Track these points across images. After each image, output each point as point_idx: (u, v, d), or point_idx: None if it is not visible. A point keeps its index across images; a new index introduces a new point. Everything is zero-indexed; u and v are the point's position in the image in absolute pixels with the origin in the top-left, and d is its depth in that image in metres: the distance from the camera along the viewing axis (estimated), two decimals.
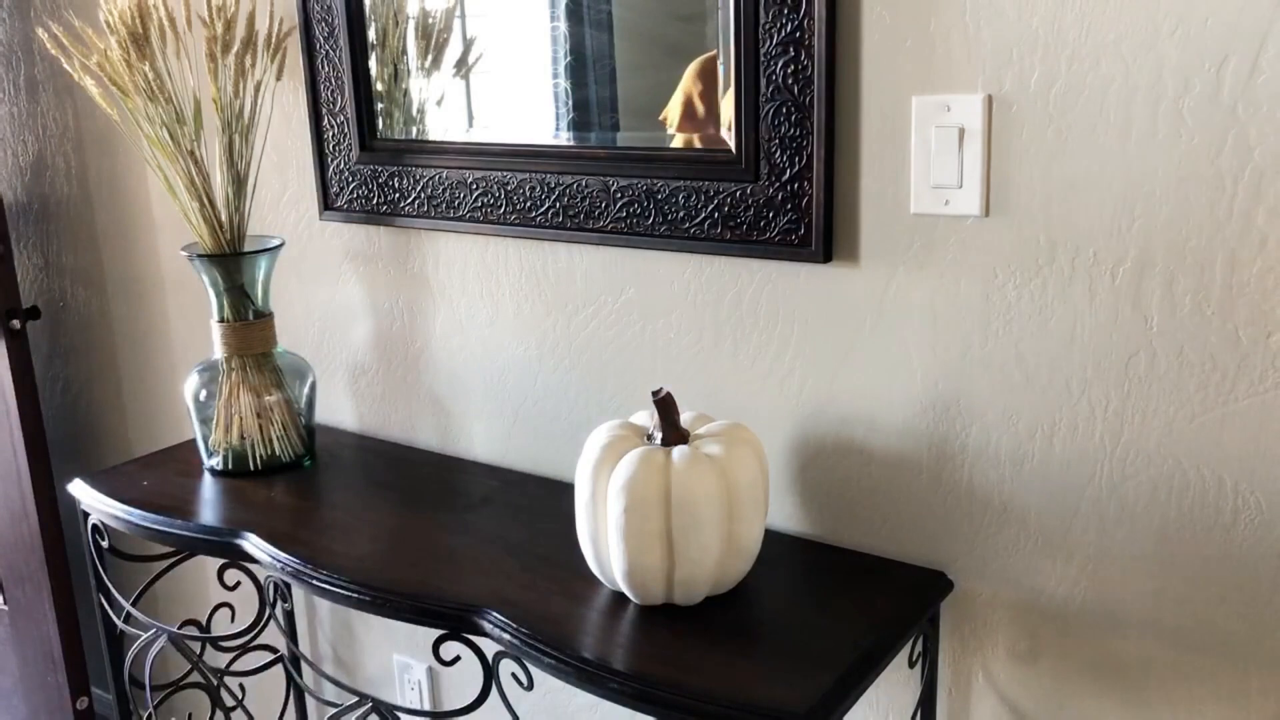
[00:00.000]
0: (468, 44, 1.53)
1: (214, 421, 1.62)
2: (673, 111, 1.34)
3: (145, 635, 1.64)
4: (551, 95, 1.47)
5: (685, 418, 1.21)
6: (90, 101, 1.98)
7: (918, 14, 1.13)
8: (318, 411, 1.78)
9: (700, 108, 1.32)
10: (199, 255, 1.59)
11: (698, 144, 1.33)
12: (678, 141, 1.35)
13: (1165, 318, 1.08)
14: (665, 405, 1.16)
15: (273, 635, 1.75)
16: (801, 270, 1.28)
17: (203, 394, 1.63)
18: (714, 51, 1.29)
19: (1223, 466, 1.09)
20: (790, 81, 1.20)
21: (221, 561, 1.79)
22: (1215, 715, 1.16)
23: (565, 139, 1.47)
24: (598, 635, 1.15)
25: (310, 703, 2.04)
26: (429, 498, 1.54)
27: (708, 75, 1.30)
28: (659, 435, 1.17)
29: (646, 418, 1.22)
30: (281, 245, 1.65)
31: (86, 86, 1.59)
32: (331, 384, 1.84)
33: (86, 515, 1.63)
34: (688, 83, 1.32)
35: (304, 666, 1.97)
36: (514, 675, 1.22)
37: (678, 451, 1.13)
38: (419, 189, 1.57)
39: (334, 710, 1.41)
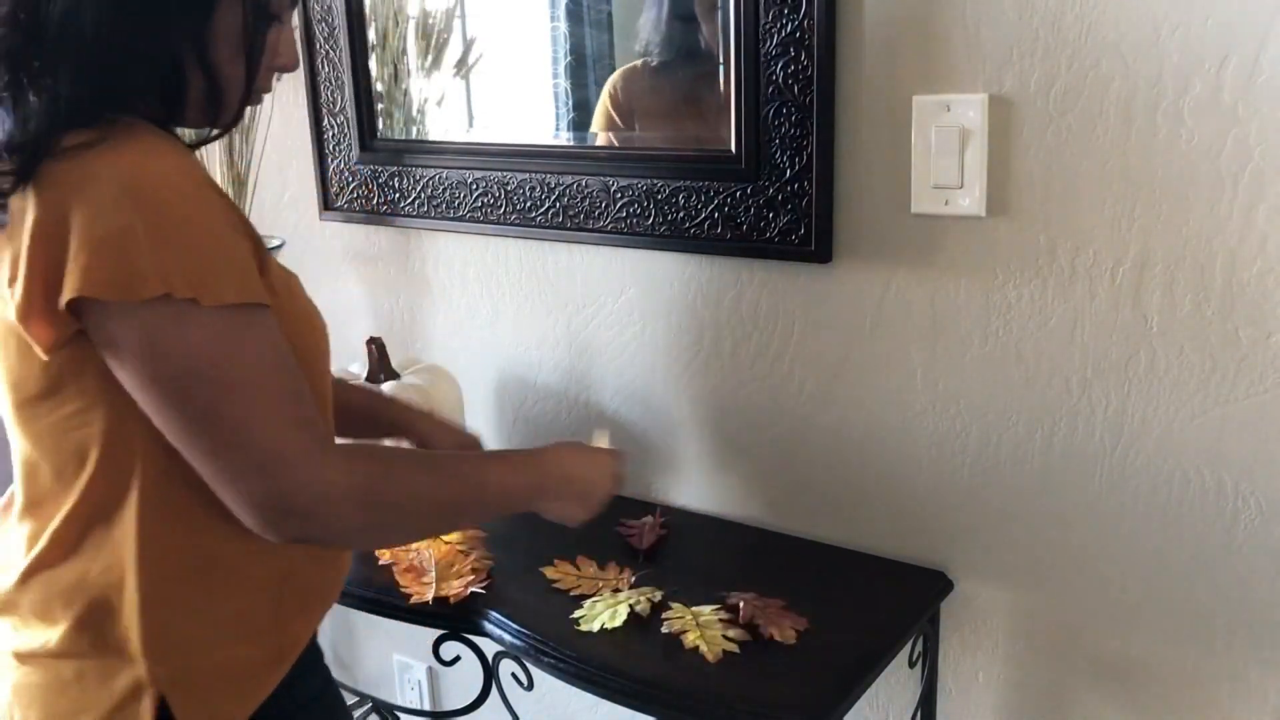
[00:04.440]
0: (468, 44, 1.53)
1: None
2: (596, 122, 1.41)
3: None
4: (551, 95, 1.47)
5: (395, 361, 1.53)
6: None
7: (918, 14, 1.13)
8: None
9: (616, 117, 1.38)
10: None
11: (609, 143, 1.40)
12: (600, 140, 1.42)
13: (1165, 318, 1.08)
14: (379, 348, 1.49)
15: None
16: (802, 270, 1.28)
17: None
18: (636, 63, 1.37)
19: (1223, 466, 1.09)
20: (790, 81, 1.20)
21: None
22: (1214, 715, 1.16)
23: (565, 139, 1.47)
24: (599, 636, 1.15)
25: None
26: None
27: (628, 85, 1.37)
28: (365, 374, 1.49)
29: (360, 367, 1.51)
30: (282, 245, 1.65)
31: None
32: None
33: None
34: (605, 97, 1.38)
35: None
36: (514, 675, 1.22)
37: (388, 385, 1.46)
38: (419, 189, 1.57)
39: None
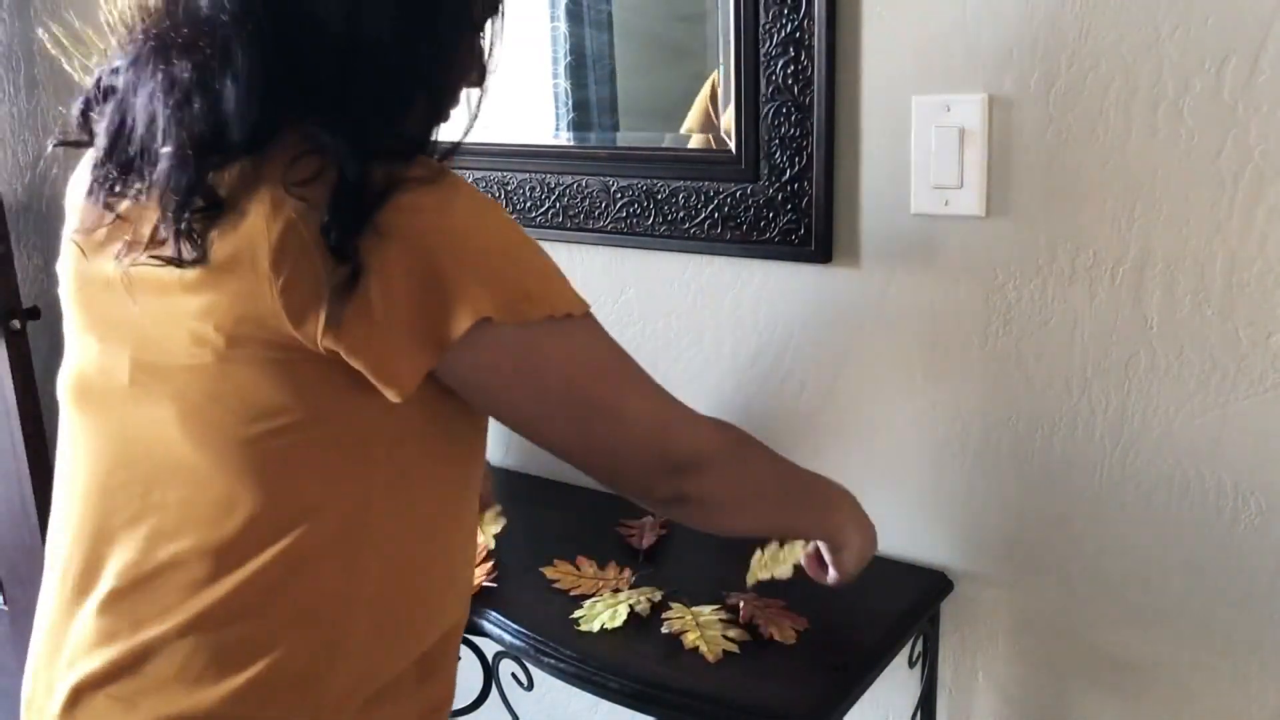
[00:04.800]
0: None
1: None
2: (693, 119, 1.35)
3: None
4: (551, 95, 1.47)
5: None
6: None
7: (918, 14, 1.13)
8: None
9: (715, 116, 1.32)
10: None
11: (696, 144, 1.34)
12: (695, 142, 1.35)
13: (1165, 318, 1.08)
14: None
15: None
16: (801, 270, 1.28)
17: None
18: None
19: (1223, 466, 1.09)
20: (790, 81, 1.20)
21: None
22: (1215, 714, 1.16)
23: (565, 139, 1.47)
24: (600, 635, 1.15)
25: None
26: None
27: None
28: None
29: None
30: None
31: (87, 86, 1.58)
32: None
33: None
34: (705, 93, 1.32)
35: None
36: (514, 675, 1.22)
37: None
38: None
39: None
